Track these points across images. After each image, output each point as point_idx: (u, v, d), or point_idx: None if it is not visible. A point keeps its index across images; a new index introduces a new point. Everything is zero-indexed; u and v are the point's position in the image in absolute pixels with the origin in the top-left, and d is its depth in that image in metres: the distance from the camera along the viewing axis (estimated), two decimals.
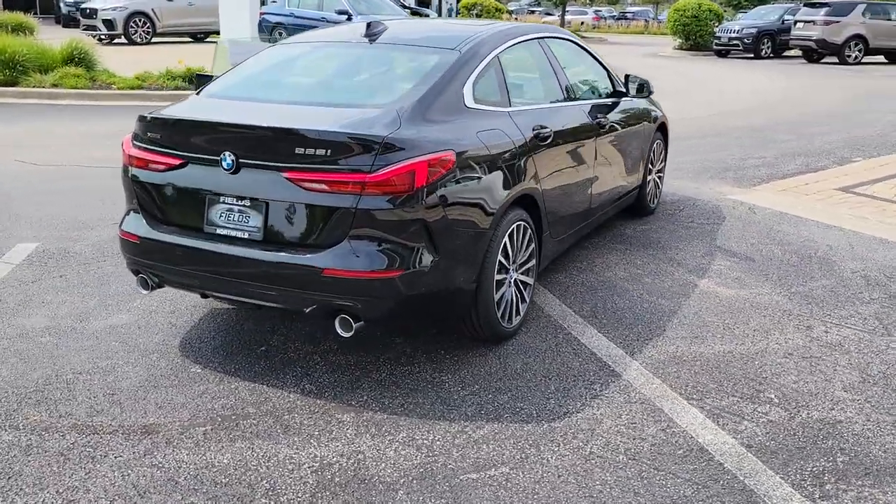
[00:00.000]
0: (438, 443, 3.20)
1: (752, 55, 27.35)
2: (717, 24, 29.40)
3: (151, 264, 3.85)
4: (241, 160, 3.50)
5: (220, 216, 3.62)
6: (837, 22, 24.46)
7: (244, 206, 3.56)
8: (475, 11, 34.78)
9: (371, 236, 3.38)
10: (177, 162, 3.69)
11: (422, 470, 3.02)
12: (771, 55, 27.53)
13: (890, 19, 24.94)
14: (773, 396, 3.59)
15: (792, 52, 27.38)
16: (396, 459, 3.09)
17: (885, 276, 5.20)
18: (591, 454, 3.12)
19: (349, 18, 17.49)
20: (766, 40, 27.54)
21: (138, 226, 3.86)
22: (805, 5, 26.36)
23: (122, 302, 4.66)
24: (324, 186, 3.37)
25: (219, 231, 3.63)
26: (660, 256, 5.54)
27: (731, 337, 4.22)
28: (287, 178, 3.42)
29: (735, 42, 27.69)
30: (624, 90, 5.68)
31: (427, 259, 3.46)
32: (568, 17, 48.10)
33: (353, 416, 3.41)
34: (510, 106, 4.23)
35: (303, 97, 4.07)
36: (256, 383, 3.69)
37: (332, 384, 3.68)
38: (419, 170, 3.37)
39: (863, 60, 24.64)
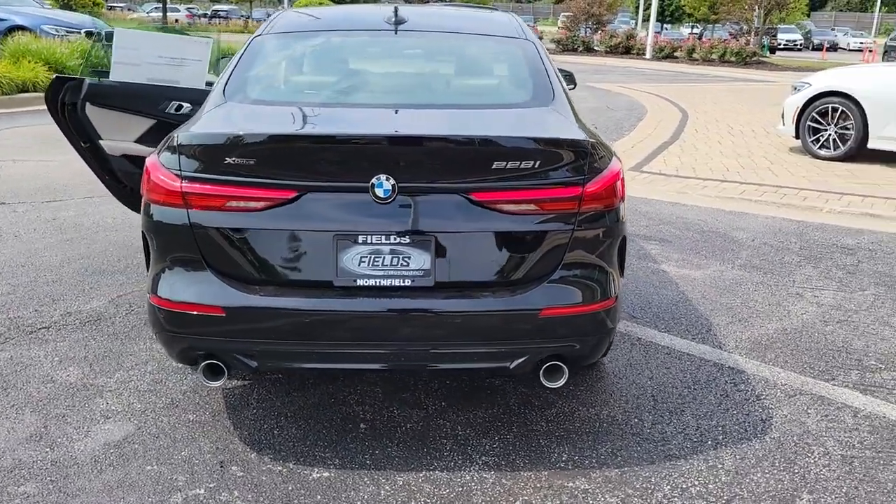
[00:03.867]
0: (711, 485, 2.79)
1: None
2: None
3: (250, 343, 2.73)
4: (400, 184, 2.63)
5: (362, 262, 2.68)
6: None
7: (400, 244, 2.68)
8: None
9: (582, 262, 2.80)
10: (288, 195, 2.64)
11: None
12: None
13: None
14: (874, 363, 3.79)
15: None
16: None
17: (777, 240, 5.83)
18: (845, 457, 2.99)
19: None
20: None
21: (216, 291, 2.70)
22: None
23: (74, 407, 3.24)
24: (532, 207, 2.69)
25: (361, 282, 2.69)
26: None
27: (763, 315, 4.37)
28: (474, 202, 2.66)
29: None
30: None
31: (619, 282, 2.97)
32: (157, 14, 45.11)
33: (584, 481, 2.81)
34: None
35: (414, 98, 3.22)
36: (421, 472, 2.84)
37: (507, 450, 2.99)
38: (620, 178, 2.87)
39: None
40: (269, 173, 2.64)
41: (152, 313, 2.81)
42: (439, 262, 2.68)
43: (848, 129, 8.71)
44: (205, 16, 53.18)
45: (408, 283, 2.69)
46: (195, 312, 2.70)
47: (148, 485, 2.74)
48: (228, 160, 2.63)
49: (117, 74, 4.15)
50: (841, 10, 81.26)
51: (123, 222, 5.93)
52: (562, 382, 2.84)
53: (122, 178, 4.31)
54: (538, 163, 2.67)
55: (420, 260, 2.68)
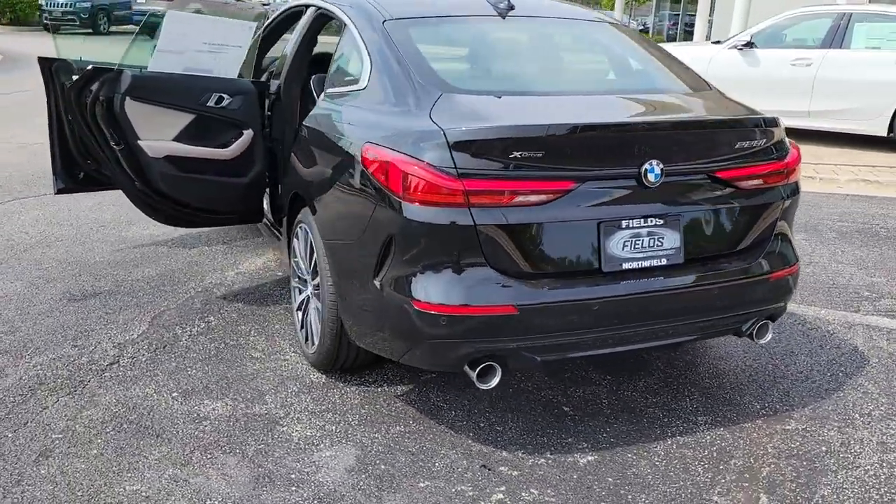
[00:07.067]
0: (883, 407, 3.29)
1: (90, 30, 26.21)
2: None
3: (537, 339, 2.70)
4: (666, 168, 2.77)
5: (624, 246, 2.78)
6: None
7: (655, 225, 2.82)
8: None
9: (784, 229, 3.14)
10: (567, 186, 2.65)
11: None
12: (111, 30, 26.90)
13: None
14: (867, 293, 4.59)
15: (128, 27, 27.18)
16: None
17: None
18: None
19: None
20: (102, 15, 26.72)
21: (506, 290, 2.64)
22: None
23: (266, 441, 2.92)
24: (759, 181, 2.98)
25: (626, 266, 2.79)
26: None
27: None
28: (718, 179, 2.89)
29: (70, 17, 26.04)
30: None
31: None
32: None
33: (793, 422, 3.17)
34: None
35: (608, 85, 3.33)
36: (665, 440, 3.02)
37: (709, 408, 3.26)
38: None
39: None
40: (552, 165, 2.62)
41: (411, 321, 2.65)
42: (687, 239, 2.86)
43: None
44: None
45: (663, 262, 2.83)
46: (486, 314, 2.61)
47: (442, 501, 2.60)
48: (514, 154, 2.57)
49: (158, 64, 3.62)
50: None
51: (48, 235, 5.11)
52: (769, 338, 3.16)
53: (163, 185, 3.77)
54: (764, 140, 2.95)
55: (672, 239, 2.83)
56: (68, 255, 4.75)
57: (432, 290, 2.62)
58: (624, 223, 2.75)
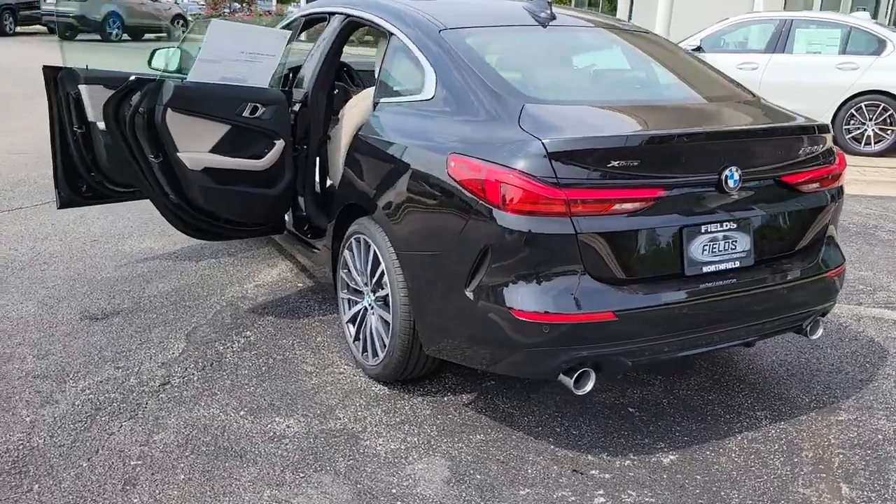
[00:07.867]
0: None
1: None
2: None
3: (633, 343, 2.76)
4: (743, 174, 2.89)
5: (704, 250, 2.88)
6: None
7: (730, 229, 2.93)
8: None
9: (829, 231, 3.30)
10: (657, 194, 2.73)
11: None
12: (15, 31, 25.78)
13: None
14: (863, 286, 4.87)
15: (35, 28, 26.12)
16: None
17: None
18: None
19: None
20: (7, 14, 25.54)
21: (604, 297, 2.69)
22: None
23: (354, 458, 2.89)
24: (817, 185, 3.13)
25: (705, 269, 2.89)
26: None
27: None
28: (784, 184, 3.03)
29: None
30: None
31: None
32: None
33: (844, 413, 3.33)
34: None
35: (673, 92, 3.37)
36: (734, 436, 3.14)
37: (766, 404, 3.39)
38: None
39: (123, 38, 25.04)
40: (644, 173, 2.69)
41: (509, 330, 2.67)
42: (756, 241, 2.98)
43: None
44: None
45: (737, 264, 2.94)
46: (587, 321, 2.65)
47: None
48: (612, 163, 2.62)
49: (198, 74, 3.52)
50: None
51: (40, 252, 4.87)
52: (820, 334, 3.31)
53: (200, 197, 3.65)
54: (820, 146, 3.10)
55: (743, 242, 2.95)
56: (71, 273, 4.55)
57: (532, 298, 2.65)
58: (703, 228, 2.85)
